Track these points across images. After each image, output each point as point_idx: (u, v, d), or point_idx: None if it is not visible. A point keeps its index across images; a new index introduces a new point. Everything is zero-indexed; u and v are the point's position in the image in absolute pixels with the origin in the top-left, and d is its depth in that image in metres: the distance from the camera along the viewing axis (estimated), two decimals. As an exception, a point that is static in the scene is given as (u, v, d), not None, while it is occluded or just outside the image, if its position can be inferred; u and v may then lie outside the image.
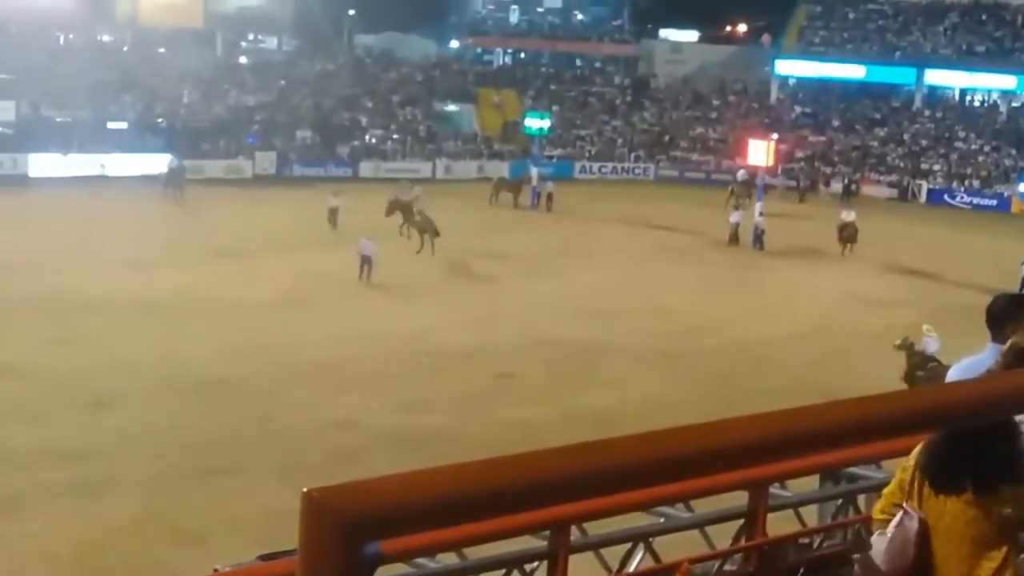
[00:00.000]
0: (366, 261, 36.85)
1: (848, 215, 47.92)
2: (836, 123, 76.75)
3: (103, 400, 24.30)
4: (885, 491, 4.57)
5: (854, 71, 78.11)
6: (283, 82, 71.64)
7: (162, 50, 71.93)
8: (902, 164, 71.54)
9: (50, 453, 21.13)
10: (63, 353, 27.46)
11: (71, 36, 71.59)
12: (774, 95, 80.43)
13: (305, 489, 2.64)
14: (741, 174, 66.14)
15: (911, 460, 4.40)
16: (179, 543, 17.42)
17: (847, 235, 46.91)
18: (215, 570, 5.43)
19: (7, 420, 22.78)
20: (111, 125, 62.16)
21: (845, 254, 46.23)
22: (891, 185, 69.03)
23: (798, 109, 79.14)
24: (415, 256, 40.30)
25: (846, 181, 67.21)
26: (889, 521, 4.34)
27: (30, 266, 36.14)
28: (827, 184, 67.84)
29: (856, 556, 4.46)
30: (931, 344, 28.26)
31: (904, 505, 4.31)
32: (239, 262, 38.95)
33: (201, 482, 20.40)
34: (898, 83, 79.06)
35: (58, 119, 61.47)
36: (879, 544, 4.36)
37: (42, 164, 56.20)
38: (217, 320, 31.57)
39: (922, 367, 27.44)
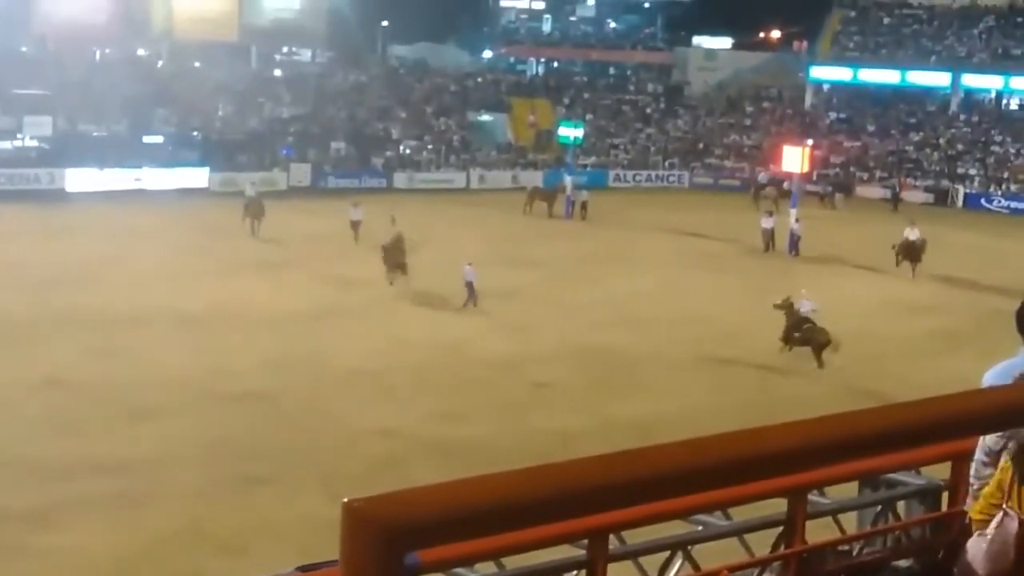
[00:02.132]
0: (470, 288, 35.77)
1: (912, 232, 44.49)
2: (871, 128, 76.44)
3: (144, 412, 24.43)
4: (984, 492, 4.53)
5: (889, 76, 77.80)
6: (317, 94, 71.88)
7: (197, 64, 72.31)
8: (938, 169, 71.21)
9: (91, 465, 21.25)
10: (104, 366, 27.63)
11: (107, 51, 72.01)
12: (808, 101, 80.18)
13: (346, 499, 2.66)
14: (762, 177, 66.14)
15: (1009, 460, 4.35)
16: (220, 554, 17.49)
17: (912, 255, 43.50)
18: (256, 581, 5.46)
19: (49, 432, 22.93)
20: (147, 139, 62.53)
21: (905, 272, 43.42)
22: (927, 190, 68.67)
23: (832, 115, 78.86)
24: (450, 266, 40.28)
25: (896, 188, 66.55)
26: (988, 522, 4.28)
27: (70, 280, 36.37)
28: (843, 191, 66.66)
29: (967, 545, 4.38)
30: (806, 305, 31.02)
31: (1004, 506, 4.26)
32: (276, 274, 39.09)
33: (241, 493, 20.48)
34: (933, 87, 78.68)
35: (95, 133, 61.86)
36: (978, 546, 4.30)
37: (79, 179, 56.54)
38: (256, 331, 31.69)
39: (798, 328, 30.40)
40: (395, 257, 37.96)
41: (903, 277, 42.58)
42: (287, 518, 19.06)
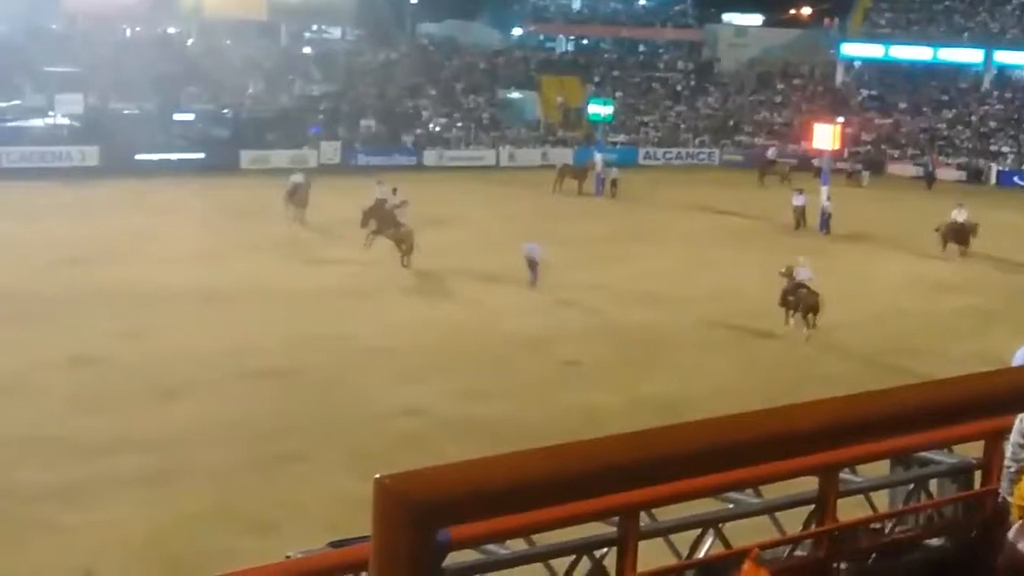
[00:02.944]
0: (532, 264, 35.62)
1: (960, 213, 43.66)
2: (903, 105, 76.02)
3: (172, 390, 24.52)
4: None
5: (921, 52, 77.31)
6: (347, 71, 71.89)
7: (227, 42, 72.41)
8: (970, 146, 70.79)
9: (121, 443, 21.35)
10: (132, 344, 27.74)
11: (137, 29, 72.20)
12: (839, 78, 79.79)
13: (377, 476, 2.65)
14: (771, 153, 66.04)
15: None
16: (250, 531, 17.55)
17: (960, 237, 42.88)
18: (287, 557, 5.48)
19: (78, 411, 23.04)
20: (177, 117, 62.72)
21: (950, 254, 42.74)
22: (960, 168, 68.27)
23: (864, 92, 78.45)
24: (479, 244, 40.33)
25: (929, 167, 66.14)
26: None
27: (99, 258, 36.54)
28: (870, 168, 66.20)
29: (1009, 537, 4.33)
30: (802, 272, 31.99)
31: None
32: (304, 251, 39.16)
33: (270, 470, 20.55)
34: (966, 64, 78.13)
35: (125, 112, 62.04)
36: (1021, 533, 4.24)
37: (111, 156, 56.72)
38: (282, 309, 31.76)
39: (793, 292, 31.57)
40: (405, 236, 37.63)
41: (937, 256, 42.27)
42: (315, 495, 19.12)
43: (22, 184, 50.28)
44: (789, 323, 31.60)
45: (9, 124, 59.16)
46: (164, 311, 30.67)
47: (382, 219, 39.02)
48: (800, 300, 31.58)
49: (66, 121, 59.98)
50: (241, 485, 19.80)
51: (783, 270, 32.41)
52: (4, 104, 60.46)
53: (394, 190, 40.66)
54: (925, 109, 75.19)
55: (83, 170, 54.88)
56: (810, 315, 31.25)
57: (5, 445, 21.12)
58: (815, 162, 61.66)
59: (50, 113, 60.05)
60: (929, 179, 63.74)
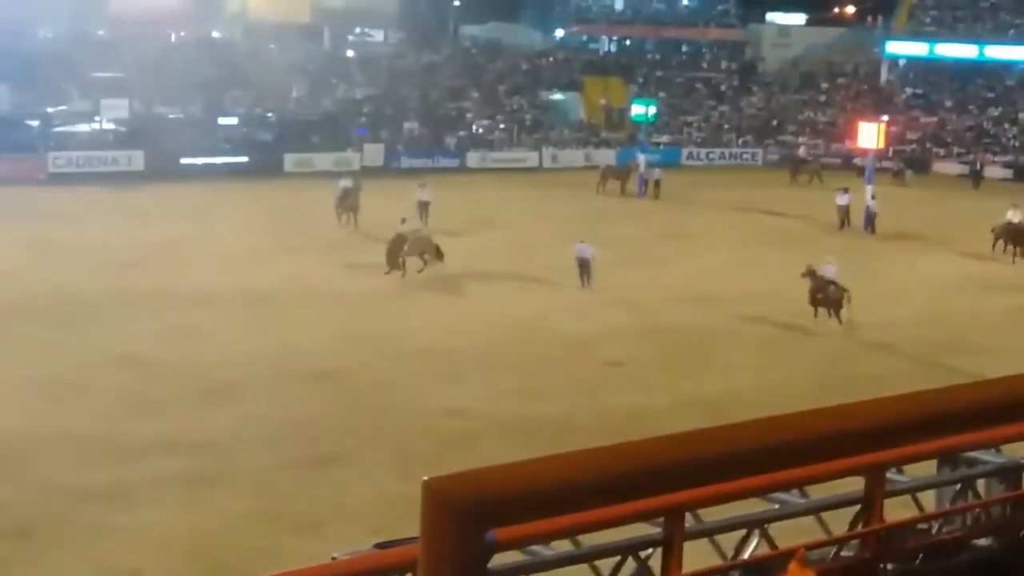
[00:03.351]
0: (584, 264, 35.47)
1: (1015, 215, 42.58)
2: (948, 103, 75.47)
3: (218, 392, 24.63)
4: None
5: (966, 51, 76.68)
6: (390, 74, 72.02)
7: (271, 45, 72.70)
8: (1017, 144, 70.20)
9: (167, 444, 21.48)
10: (178, 345, 27.90)
11: (182, 33, 72.56)
12: (884, 76, 79.24)
13: (425, 478, 2.67)
14: (802, 151, 65.78)
15: None
16: (295, 532, 17.62)
17: (1017, 238, 41.89)
18: (333, 558, 5.50)
19: (125, 412, 23.19)
20: (222, 120, 63.02)
21: (1004, 255, 41.84)
22: (1006, 166, 67.69)
23: (909, 90, 77.92)
24: (522, 246, 40.33)
25: (977, 165, 65.59)
26: None
27: (145, 261, 36.76)
28: (913, 167, 65.70)
29: None
30: (828, 269, 32.62)
31: None
32: (348, 253, 39.26)
33: (315, 471, 20.61)
34: (1012, 61, 77.45)
35: (170, 116, 62.40)
36: None
37: (156, 160, 57.03)
38: (328, 311, 31.86)
39: (821, 290, 32.02)
40: (394, 253, 37.08)
41: (985, 255, 41.86)
42: (361, 497, 19.17)
43: (69, 189, 50.67)
44: (817, 318, 31.90)
45: (56, 129, 59.62)
46: (210, 314, 30.83)
47: (399, 247, 37.88)
48: (828, 297, 32.03)
49: (112, 126, 60.37)
50: (287, 486, 19.88)
51: (804, 270, 32.71)
52: (51, 109, 60.91)
53: (403, 220, 39.49)
54: (971, 107, 74.62)
55: (129, 174, 55.25)
56: (834, 311, 31.78)
57: (54, 446, 21.28)
58: (857, 161, 61.48)
59: (96, 118, 60.43)
60: (976, 178, 63.22)
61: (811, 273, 32.64)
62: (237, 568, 16.32)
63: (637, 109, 64.38)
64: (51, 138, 58.78)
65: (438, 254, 36.85)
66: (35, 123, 59.60)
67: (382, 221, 41.77)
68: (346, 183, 45.74)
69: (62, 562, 16.83)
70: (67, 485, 19.52)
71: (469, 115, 70.21)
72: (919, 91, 77.49)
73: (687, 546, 5.67)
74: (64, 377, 25.19)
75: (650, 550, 5.81)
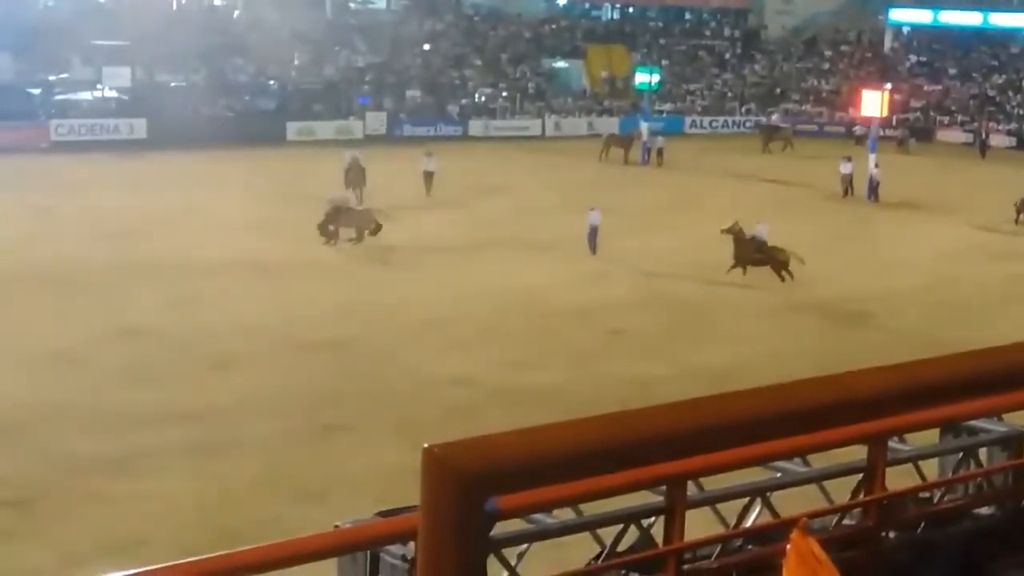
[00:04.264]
0: (594, 232, 35.75)
1: None
2: (952, 71, 75.29)
3: (222, 361, 24.67)
4: None
5: (970, 18, 76.43)
6: (392, 42, 71.86)
7: (273, 13, 72.45)
8: (1021, 112, 70.06)
9: (171, 413, 21.51)
10: (182, 315, 27.92)
11: (183, 1, 72.36)
12: (888, 44, 79.04)
13: (426, 445, 2.66)
14: (775, 119, 66.00)
15: None
16: (298, 500, 17.67)
17: None
18: (335, 527, 5.51)
19: (130, 382, 23.23)
20: (223, 88, 62.93)
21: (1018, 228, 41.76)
22: (1010, 134, 67.59)
23: (913, 58, 77.76)
24: (525, 214, 40.31)
25: (982, 134, 65.40)
26: None
27: (148, 230, 36.75)
28: (917, 135, 65.52)
29: None
30: (761, 230, 33.59)
31: None
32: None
33: (319, 440, 20.66)
34: (1017, 29, 77.21)
35: (172, 84, 62.31)
36: None
37: (158, 128, 56.99)
38: (331, 280, 31.89)
39: (759, 250, 33.05)
40: (327, 223, 36.85)
41: (989, 225, 41.84)
42: (364, 465, 19.20)
43: (71, 157, 50.66)
44: (737, 273, 32.98)
45: (58, 97, 59.56)
46: (213, 283, 30.84)
47: (337, 218, 37.26)
48: (769, 257, 32.86)
49: (114, 94, 60.30)
50: (290, 455, 19.93)
51: (727, 227, 33.41)
52: (53, 77, 60.83)
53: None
54: (975, 75, 74.46)
55: (131, 143, 55.22)
56: (778, 270, 32.67)
57: (57, 416, 21.32)
58: (856, 130, 61.49)
59: (98, 86, 60.38)
60: (982, 147, 63.10)
61: (738, 231, 33.34)
62: (241, 536, 16.33)
63: (640, 77, 64.26)
64: (53, 106, 58.74)
65: (375, 231, 36.75)
66: (37, 91, 59.56)
67: (386, 190, 41.77)
68: (348, 158, 44.77)
69: (66, 532, 16.88)
70: (70, 455, 19.56)
71: (471, 83, 70.09)
72: (923, 59, 77.34)
73: (689, 514, 5.68)
74: (67, 347, 25.22)
75: (652, 518, 5.81)
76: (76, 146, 53.84)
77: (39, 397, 22.25)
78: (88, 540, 16.50)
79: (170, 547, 15.15)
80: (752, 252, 33.01)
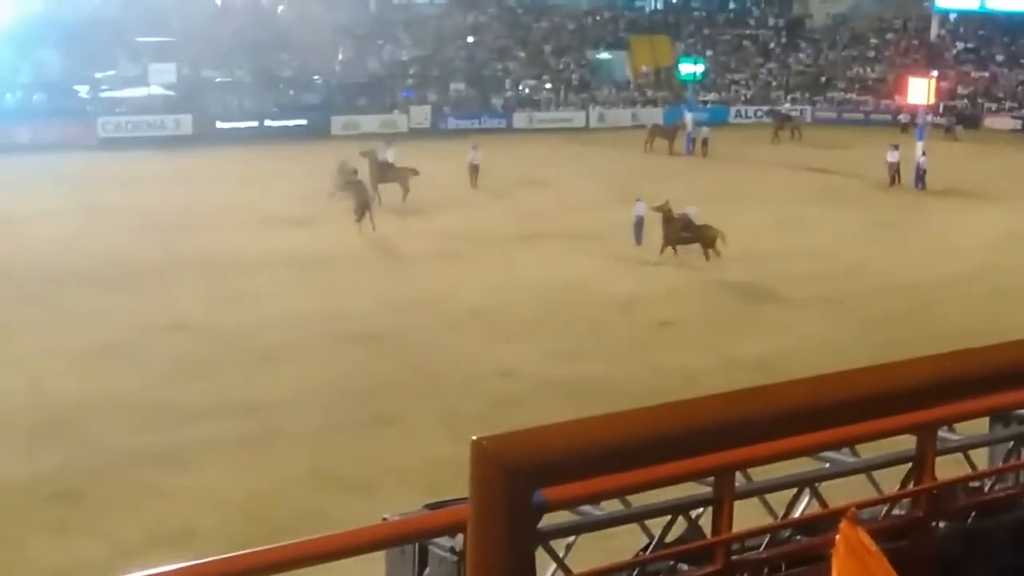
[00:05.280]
0: (639, 223, 35.62)
1: None
2: (1000, 58, 74.61)
3: (269, 354, 24.79)
4: None
5: (1018, 3, 75.61)
6: (436, 35, 71.89)
7: (316, 8, 72.66)
8: (1070, 98, 69.42)
9: (219, 406, 21.64)
10: (229, 309, 28.07)
11: (228, -3, 72.71)
12: (934, 31, 78.38)
13: (474, 438, 2.66)
14: (786, 108, 65.79)
15: None
16: (346, 492, 17.75)
17: None
18: (383, 519, 5.52)
19: (178, 375, 23.38)
20: (269, 84, 63.18)
21: None
22: (1059, 120, 66.96)
23: (960, 45, 77.07)
24: (570, 206, 40.38)
25: None
26: None
27: (195, 225, 36.96)
28: (964, 122, 64.97)
29: None
30: (690, 210, 34.66)
31: None
32: (396, 216, 39.32)
33: (366, 433, 20.72)
34: (1066, 14, 76.43)
35: (217, 80, 62.60)
36: None
37: (204, 124, 57.30)
38: (377, 273, 31.98)
39: (687, 229, 34.01)
40: (363, 197, 37.38)
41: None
42: (411, 457, 19.25)
43: (118, 154, 50.98)
44: (665, 252, 33.79)
45: (105, 94, 59.94)
46: (259, 276, 31.00)
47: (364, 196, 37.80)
48: (698, 235, 33.76)
49: (160, 90, 60.64)
50: (337, 448, 20.00)
51: (658, 205, 34.08)
52: (100, 75, 61.22)
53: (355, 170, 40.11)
54: (1023, 61, 73.74)
55: (177, 139, 55.54)
56: (706, 247, 33.51)
57: (108, 410, 21.50)
58: (901, 118, 61.10)
59: (145, 83, 60.72)
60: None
61: (667, 211, 34.03)
62: (289, 528, 16.44)
63: (685, 68, 64.09)
64: (100, 103, 59.11)
65: (360, 210, 37.04)
66: (84, 88, 59.96)
67: (431, 184, 41.81)
68: (383, 156, 44.16)
69: (117, 524, 17.02)
70: (120, 448, 19.72)
71: (515, 75, 70.05)
72: (970, 45, 76.63)
73: (737, 505, 5.66)
74: (116, 341, 25.42)
75: (700, 509, 5.80)
76: (123, 143, 54.18)
77: (90, 391, 22.44)
78: (139, 532, 16.64)
79: (219, 539, 15.28)
80: (680, 230, 33.87)
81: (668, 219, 34.05)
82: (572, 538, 5.57)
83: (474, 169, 45.11)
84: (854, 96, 72.24)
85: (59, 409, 21.50)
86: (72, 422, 20.94)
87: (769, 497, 6.19)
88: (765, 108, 69.08)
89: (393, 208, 40.32)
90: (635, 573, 5.64)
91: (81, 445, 19.93)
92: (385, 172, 42.57)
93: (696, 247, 33.96)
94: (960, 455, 6.78)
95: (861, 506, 5.84)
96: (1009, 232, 38.40)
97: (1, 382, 22.90)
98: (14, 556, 16.07)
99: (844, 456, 6.39)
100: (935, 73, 56.28)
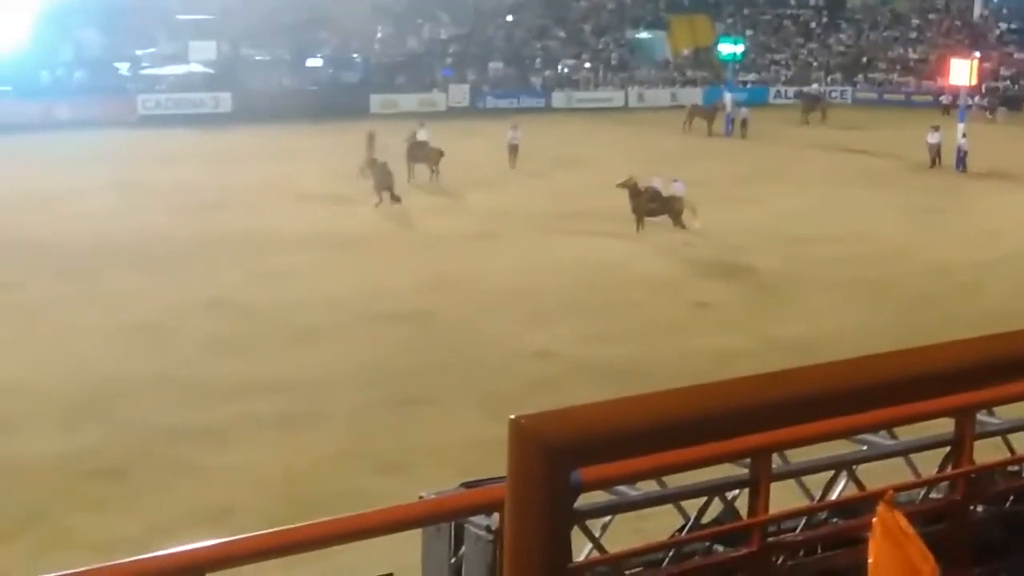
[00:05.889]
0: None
1: None
2: (1044, 39, 74.09)
3: (305, 333, 24.85)
4: None
5: (1063, -16, 75.10)
6: (475, 14, 71.84)
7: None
8: (1114, 79, 68.83)
9: (256, 385, 21.72)
10: (267, 287, 28.15)
11: (267, -25, 72.86)
12: (977, 11, 77.85)
13: (513, 416, 2.66)
14: (815, 88, 65.57)
15: None
16: (382, 472, 17.78)
17: None
18: (420, 497, 5.54)
19: (215, 354, 23.47)
20: (308, 62, 63.32)
21: None
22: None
23: (1003, 25, 76.50)
24: (608, 185, 40.20)
25: None
26: None
27: (233, 203, 37.11)
28: (1006, 104, 64.48)
29: None
30: (656, 182, 34.93)
31: None
32: (433, 195, 39.37)
33: (402, 412, 20.75)
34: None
35: (257, 58, 62.77)
36: None
37: (243, 102, 57.47)
38: (414, 253, 32.01)
39: (653, 200, 34.19)
40: (385, 180, 37.52)
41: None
42: (447, 437, 19.27)
43: (158, 131, 51.22)
44: (641, 229, 33.97)
45: (145, 72, 60.22)
46: (296, 255, 31.08)
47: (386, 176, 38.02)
48: (665, 207, 33.91)
49: (200, 68, 60.86)
50: (374, 427, 20.05)
51: (622, 181, 34.41)
52: (140, 52, 61.50)
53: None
54: (1066, 42, 73.22)
55: (216, 116, 55.73)
56: (675, 220, 33.59)
57: (146, 388, 21.61)
58: (943, 99, 60.69)
59: (185, 61, 60.98)
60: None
61: (632, 185, 34.26)
62: (324, 507, 16.44)
63: (724, 48, 63.85)
64: (140, 80, 59.39)
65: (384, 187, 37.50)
66: (125, 66, 60.25)
67: (470, 163, 41.80)
68: (422, 135, 44.38)
69: (156, 501, 17.12)
70: (160, 427, 19.82)
71: (554, 55, 69.94)
72: (1013, 26, 76.06)
73: (774, 487, 5.65)
74: (155, 320, 25.54)
75: (736, 491, 5.79)
76: (162, 120, 54.47)
77: (129, 369, 22.55)
78: (177, 509, 16.72)
79: (257, 517, 15.32)
80: (647, 203, 34.01)
81: (635, 193, 34.43)
82: (608, 518, 5.57)
83: (513, 149, 45.07)
84: (895, 77, 71.85)
85: (98, 387, 21.62)
86: (110, 399, 21.06)
87: (806, 479, 6.17)
88: (794, 89, 68.90)
89: (430, 187, 40.38)
90: (671, 554, 5.64)
91: (120, 422, 20.05)
92: (415, 151, 42.62)
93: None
94: (999, 439, 6.74)
95: (898, 489, 5.82)
96: (1051, 215, 38.12)
97: (40, 359, 23.05)
98: (54, 532, 16.18)
99: (882, 439, 6.36)
100: (977, 54, 55.93)
